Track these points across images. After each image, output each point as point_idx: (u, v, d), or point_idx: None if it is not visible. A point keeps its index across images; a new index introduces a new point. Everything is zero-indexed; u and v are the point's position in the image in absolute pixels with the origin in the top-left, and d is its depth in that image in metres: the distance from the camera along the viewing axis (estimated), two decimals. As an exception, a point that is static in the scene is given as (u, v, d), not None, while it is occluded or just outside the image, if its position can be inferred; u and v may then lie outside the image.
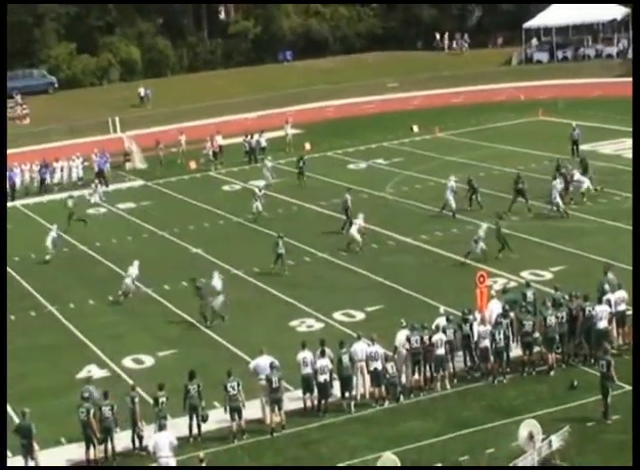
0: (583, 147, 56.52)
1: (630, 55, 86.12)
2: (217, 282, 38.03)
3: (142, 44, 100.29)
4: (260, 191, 51.86)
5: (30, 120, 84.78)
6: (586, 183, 48.27)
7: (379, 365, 29.63)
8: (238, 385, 28.28)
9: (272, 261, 42.02)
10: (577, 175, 48.56)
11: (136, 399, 28.10)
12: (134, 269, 41.20)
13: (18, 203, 60.09)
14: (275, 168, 59.29)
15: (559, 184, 47.08)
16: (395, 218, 48.18)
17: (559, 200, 46.45)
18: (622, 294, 31.75)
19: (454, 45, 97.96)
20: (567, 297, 31.80)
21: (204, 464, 24.46)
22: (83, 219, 52.61)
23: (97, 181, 59.78)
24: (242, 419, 28.35)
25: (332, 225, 48.24)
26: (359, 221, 45.05)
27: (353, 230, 44.48)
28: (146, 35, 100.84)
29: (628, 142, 58.47)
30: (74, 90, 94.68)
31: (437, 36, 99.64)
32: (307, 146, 66.57)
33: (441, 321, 31.23)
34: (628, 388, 28.67)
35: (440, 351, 30.21)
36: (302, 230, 47.74)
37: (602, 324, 30.84)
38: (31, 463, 27.31)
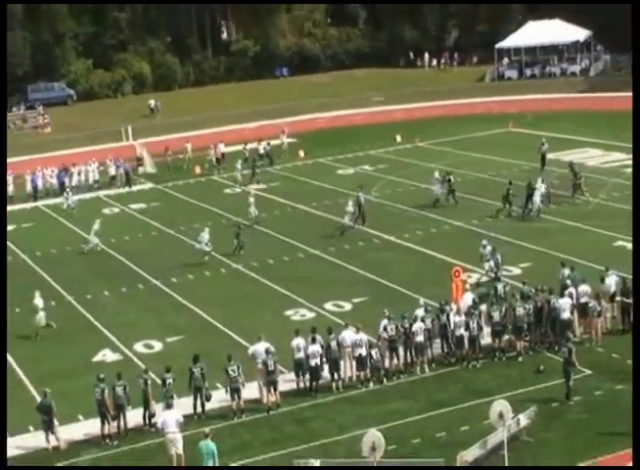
0: (550, 156, 56.40)
1: (592, 73, 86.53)
2: (39, 300, 36.91)
3: (152, 61, 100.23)
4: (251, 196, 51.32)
5: (51, 129, 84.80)
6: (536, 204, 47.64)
7: (363, 351, 29.72)
8: (238, 368, 28.39)
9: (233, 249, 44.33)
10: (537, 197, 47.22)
11: (149, 381, 28.20)
12: (205, 235, 44.08)
13: (40, 203, 60.06)
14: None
15: (543, 189, 46.86)
16: (380, 219, 48.15)
17: (539, 203, 46.32)
18: (586, 288, 31.88)
19: (433, 63, 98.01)
20: (533, 290, 31.96)
21: (209, 438, 24.50)
22: None
23: (68, 190, 58.58)
24: (241, 399, 28.46)
25: (323, 225, 48.31)
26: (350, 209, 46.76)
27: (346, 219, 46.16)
28: (156, 53, 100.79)
29: (592, 151, 58.80)
30: (91, 102, 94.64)
31: (411, 55, 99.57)
32: (301, 153, 66.62)
33: (420, 312, 31.35)
34: (589, 372, 28.89)
35: (420, 338, 30.32)
36: (296, 229, 47.81)
37: (565, 315, 30.96)
38: (52, 438, 27.42)
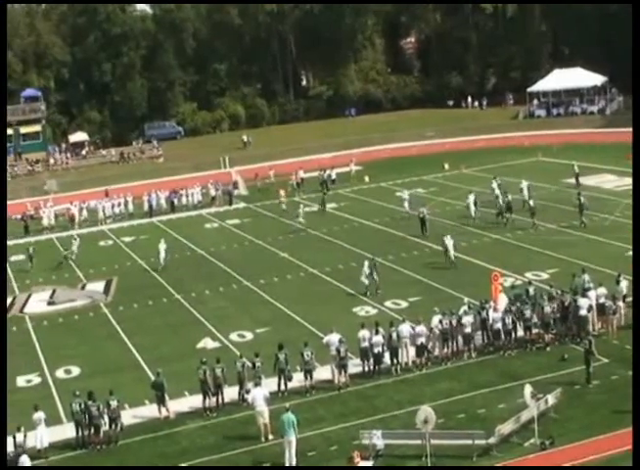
0: (573, 180, 55.84)
1: (608, 111, 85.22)
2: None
3: (245, 103, 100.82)
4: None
5: (164, 159, 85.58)
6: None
7: (423, 340, 29.58)
8: (311, 353, 28.42)
9: (367, 284, 38.32)
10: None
11: (244, 365, 28.20)
12: (449, 241, 41.43)
13: (154, 219, 60.58)
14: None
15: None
16: (431, 232, 47.78)
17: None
18: (604, 290, 31.42)
19: (475, 104, 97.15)
20: (559, 291, 31.56)
21: (289, 411, 24.46)
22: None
23: (75, 238, 53.17)
24: (312, 379, 28.49)
25: (384, 236, 48.11)
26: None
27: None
28: (248, 97, 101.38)
29: (607, 176, 57.87)
30: (196, 137, 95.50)
31: (450, 102, 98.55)
32: (366, 179, 66.43)
33: (465, 308, 31.13)
34: (606, 360, 28.43)
35: (468, 329, 30.14)
36: (362, 240, 47.60)
37: (583, 312, 30.54)
38: (163, 409, 27.61)
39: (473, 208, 49.83)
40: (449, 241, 41.54)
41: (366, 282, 38.22)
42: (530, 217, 47.04)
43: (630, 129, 72.45)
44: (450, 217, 51.02)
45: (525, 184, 52.53)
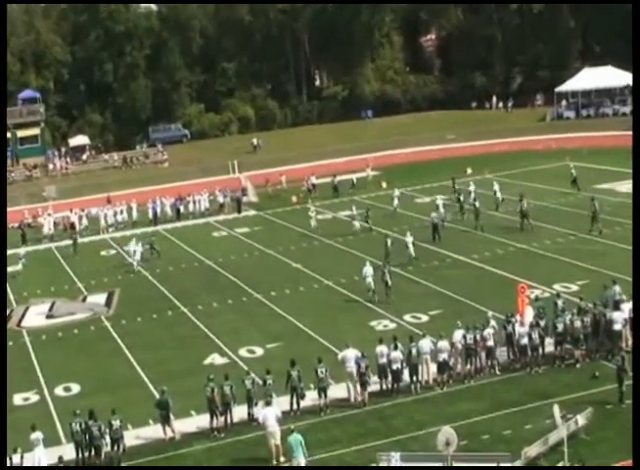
0: (604, 186, 55.71)
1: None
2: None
3: (255, 105, 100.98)
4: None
5: (169, 164, 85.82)
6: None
7: (446, 356, 29.49)
8: (326, 370, 28.37)
9: (373, 288, 39.17)
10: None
11: (254, 383, 28.16)
12: (369, 269, 39.96)
13: (159, 227, 60.67)
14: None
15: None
16: (452, 241, 47.70)
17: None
18: (636, 302, 31.30)
19: (500, 105, 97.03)
20: (590, 305, 31.41)
21: (294, 432, 24.37)
22: None
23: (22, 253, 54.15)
24: (327, 397, 28.40)
25: (401, 246, 47.97)
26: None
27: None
28: (258, 98, 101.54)
29: None
30: (203, 140, 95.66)
31: (474, 104, 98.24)
32: (384, 184, 66.37)
33: (484, 322, 30.97)
34: None
35: (490, 342, 30.01)
36: (378, 250, 47.44)
37: (617, 327, 30.37)
38: (168, 430, 27.56)
39: (442, 210, 51.79)
40: (409, 238, 44.48)
41: (372, 284, 38.86)
42: (522, 219, 48.42)
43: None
44: (469, 225, 50.86)
45: (497, 186, 55.21)
